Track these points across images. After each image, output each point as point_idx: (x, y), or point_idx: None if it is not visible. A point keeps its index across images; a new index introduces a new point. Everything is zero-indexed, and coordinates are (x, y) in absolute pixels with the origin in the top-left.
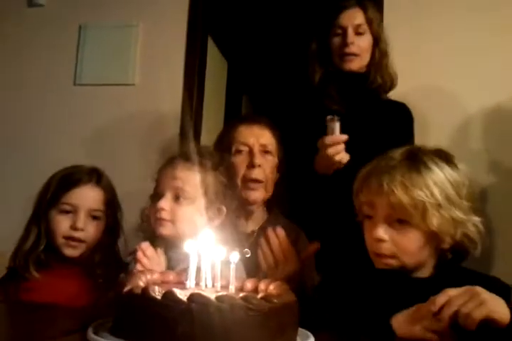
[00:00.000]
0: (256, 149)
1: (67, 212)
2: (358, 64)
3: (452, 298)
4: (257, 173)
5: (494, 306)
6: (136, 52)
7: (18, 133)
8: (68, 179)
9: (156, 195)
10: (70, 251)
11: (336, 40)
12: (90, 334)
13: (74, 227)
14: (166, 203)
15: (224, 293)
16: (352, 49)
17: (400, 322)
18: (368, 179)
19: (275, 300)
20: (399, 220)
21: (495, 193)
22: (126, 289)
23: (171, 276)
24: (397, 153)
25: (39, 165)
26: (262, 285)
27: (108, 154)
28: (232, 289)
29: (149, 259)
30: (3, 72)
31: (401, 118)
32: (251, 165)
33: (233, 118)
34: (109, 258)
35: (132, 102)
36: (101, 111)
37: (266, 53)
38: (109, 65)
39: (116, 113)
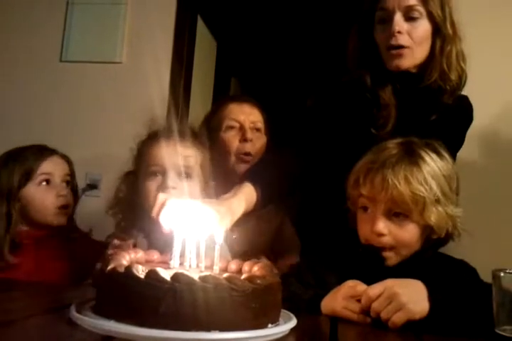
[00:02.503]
0: (247, 125)
1: (47, 181)
2: (408, 60)
3: (372, 302)
4: (249, 147)
5: (413, 307)
6: (124, 30)
7: (1, 109)
8: (40, 152)
9: (151, 174)
10: (61, 219)
11: (380, 30)
12: (73, 312)
13: (60, 195)
14: (175, 181)
15: (208, 273)
16: (401, 40)
17: (325, 299)
18: (370, 173)
19: (259, 281)
20: (396, 213)
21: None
22: (109, 267)
23: (155, 256)
24: (393, 147)
25: (24, 143)
26: (246, 267)
27: (93, 132)
28: (216, 270)
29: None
30: None
31: (462, 125)
32: (243, 140)
33: (222, 97)
34: (73, 222)
35: (119, 81)
36: (87, 88)
37: (256, 34)
38: (97, 43)
39: (102, 91)
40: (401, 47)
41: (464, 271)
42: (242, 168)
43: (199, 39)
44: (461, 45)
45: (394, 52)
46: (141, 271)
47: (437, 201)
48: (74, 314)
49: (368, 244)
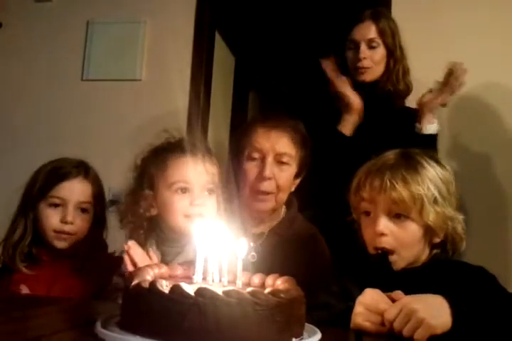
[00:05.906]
0: (269, 158)
1: (55, 205)
2: (370, 76)
3: (392, 322)
4: (266, 186)
5: (433, 322)
6: (144, 48)
7: (24, 127)
8: (56, 172)
9: (177, 190)
10: (61, 243)
11: (350, 54)
12: (99, 328)
13: (64, 221)
14: (203, 198)
15: (231, 287)
16: (365, 63)
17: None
18: (369, 176)
19: (282, 295)
20: (397, 215)
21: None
22: (133, 283)
23: (179, 271)
24: (392, 154)
25: (46, 159)
26: (269, 280)
27: (114, 149)
28: (239, 284)
29: (137, 256)
30: (11, 67)
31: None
32: (261, 177)
33: (255, 116)
34: (97, 249)
35: (139, 98)
36: (108, 106)
37: (274, 48)
38: (117, 61)
39: (123, 108)
40: (366, 68)
41: (483, 277)
42: (257, 206)
43: (217, 55)
44: (406, 62)
45: (360, 71)
46: (165, 286)
47: (435, 201)
48: (100, 330)
49: (376, 253)
